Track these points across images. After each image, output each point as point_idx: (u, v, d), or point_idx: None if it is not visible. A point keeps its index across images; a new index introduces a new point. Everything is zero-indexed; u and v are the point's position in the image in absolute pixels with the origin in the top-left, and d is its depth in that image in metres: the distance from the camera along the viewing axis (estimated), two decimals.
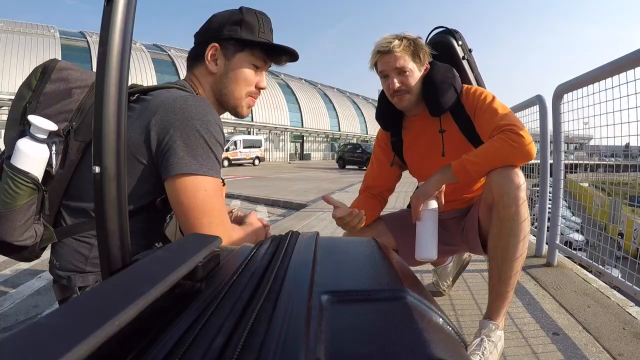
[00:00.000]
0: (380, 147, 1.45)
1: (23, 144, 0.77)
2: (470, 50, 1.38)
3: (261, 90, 0.97)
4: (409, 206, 1.53)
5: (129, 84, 0.81)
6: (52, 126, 0.79)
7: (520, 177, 1.06)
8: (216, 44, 0.87)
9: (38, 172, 0.78)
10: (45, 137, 0.79)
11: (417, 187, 1.33)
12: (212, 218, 0.75)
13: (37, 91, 0.83)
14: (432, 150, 1.30)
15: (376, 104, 1.40)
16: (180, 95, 0.79)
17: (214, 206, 0.76)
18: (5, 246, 0.81)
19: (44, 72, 0.85)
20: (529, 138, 1.06)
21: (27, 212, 0.78)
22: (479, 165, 1.08)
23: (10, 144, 0.79)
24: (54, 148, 0.79)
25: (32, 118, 0.78)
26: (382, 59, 1.21)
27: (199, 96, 0.83)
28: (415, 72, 1.22)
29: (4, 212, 0.77)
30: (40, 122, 0.77)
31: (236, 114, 0.96)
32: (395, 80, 1.21)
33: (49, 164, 0.79)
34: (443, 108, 1.21)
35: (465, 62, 1.35)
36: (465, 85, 1.27)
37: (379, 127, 1.45)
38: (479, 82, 1.40)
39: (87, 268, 0.82)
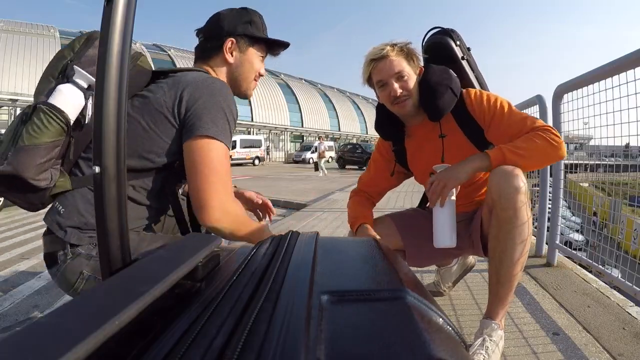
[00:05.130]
0: (382, 154, 1.41)
1: (65, 87, 0.85)
2: (469, 49, 1.34)
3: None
4: (419, 206, 1.50)
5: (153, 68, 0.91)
6: (93, 80, 0.86)
7: (520, 179, 1.03)
8: (233, 39, 1.00)
9: (71, 117, 0.85)
10: (85, 87, 0.87)
11: (430, 174, 1.21)
12: (218, 177, 0.84)
13: (79, 53, 0.91)
14: (434, 157, 1.26)
15: (376, 104, 1.37)
16: (208, 77, 0.93)
17: (222, 168, 0.85)
18: (18, 184, 0.82)
19: (87, 39, 0.93)
20: (559, 139, 1.06)
21: (49, 152, 0.82)
22: (519, 156, 1.04)
23: (39, 95, 0.86)
24: (90, 100, 0.87)
25: (77, 67, 0.86)
26: (377, 67, 1.17)
27: (223, 81, 0.96)
28: (413, 76, 1.18)
29: (26, 146, 0.80)
30: (84, 72, 0.86)
31: (245, 95, 1.10)
32: (396, 86, 1.16)
33: (82, 113, 0.87)
34: (442, 111, 1.18)
35: (464, 63, 1.31)
36: (471, 89, 1.23)
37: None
38: (481, 82, 1.36)
39: (88, 226, 0.86)
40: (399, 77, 1.16)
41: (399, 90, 1.16)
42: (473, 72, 1.34)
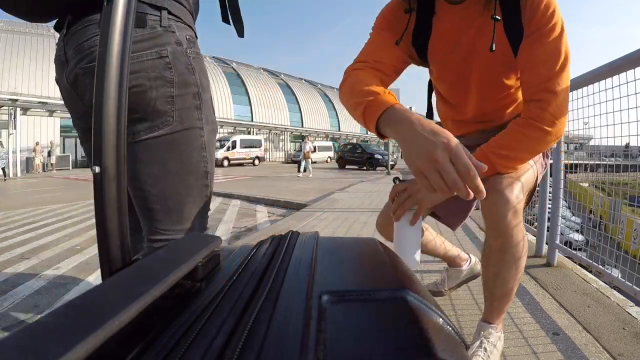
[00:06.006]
0: (388, 20, 0.97)
1: None
2: None
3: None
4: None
5: None
6: None
7: (510, 201, 0.88)
8: None
9: None
10: None
11: (394, 180, 0.95)
12: None
13: None
14: (476, 43, 0.91)
15: None
16: None
17: None
18: None
19: None
20: (558, 129, 0.83)
21: None
22: (506, 158, 0.86)
23: None
24: None
25: None
26: None
27: None
28: None
29: None
30: None
31: None
32: None
33: None
34: None
35: None
36: None
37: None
38: None
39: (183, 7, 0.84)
40: None
41: None
42: None
